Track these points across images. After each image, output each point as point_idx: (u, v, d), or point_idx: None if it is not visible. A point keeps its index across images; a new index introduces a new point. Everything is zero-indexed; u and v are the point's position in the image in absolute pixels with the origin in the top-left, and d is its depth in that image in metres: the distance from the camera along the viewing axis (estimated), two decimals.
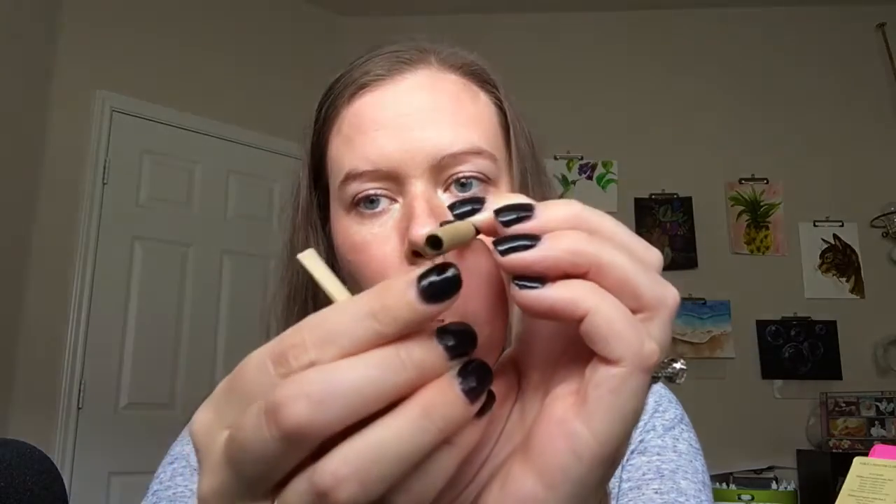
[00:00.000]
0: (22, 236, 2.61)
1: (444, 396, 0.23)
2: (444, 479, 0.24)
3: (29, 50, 2.69)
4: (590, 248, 0.25)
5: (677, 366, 0.29)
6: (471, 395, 0.24)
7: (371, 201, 0.58)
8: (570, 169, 3.44)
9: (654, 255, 0.28)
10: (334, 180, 0.61)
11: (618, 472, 0.64)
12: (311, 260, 0.27)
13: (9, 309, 2.53)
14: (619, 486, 0.63)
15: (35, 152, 2.69)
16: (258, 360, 0.24)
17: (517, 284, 0.25)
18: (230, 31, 3.26)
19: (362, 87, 0.61)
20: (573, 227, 0.26)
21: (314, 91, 0.69)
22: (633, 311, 0.26)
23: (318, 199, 0.65)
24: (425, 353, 0.23)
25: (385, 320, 0.23)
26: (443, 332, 0.24)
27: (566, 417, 0.25)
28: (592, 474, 0.25)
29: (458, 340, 0.24)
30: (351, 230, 0.59)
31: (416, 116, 0.58)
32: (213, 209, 3.11)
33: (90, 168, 2.81)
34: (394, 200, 0.58)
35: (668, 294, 0.27)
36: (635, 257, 0.26)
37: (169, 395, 2.88)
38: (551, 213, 0.27)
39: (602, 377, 0.25)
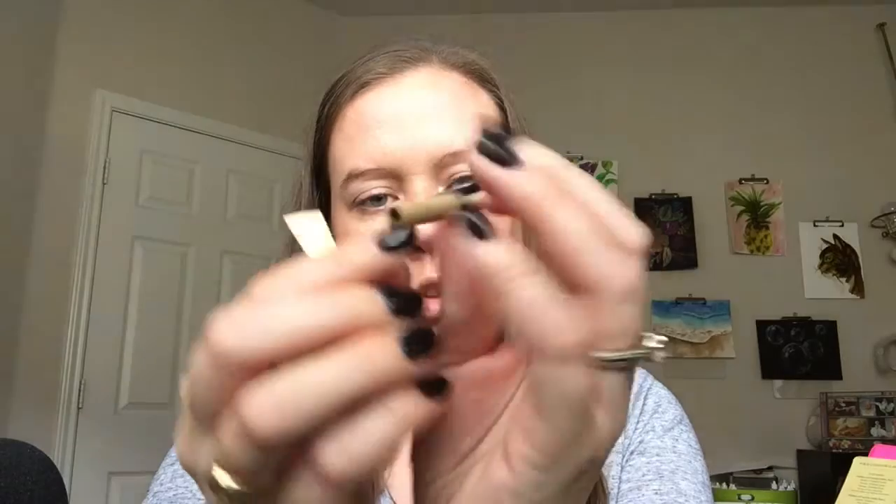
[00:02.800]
0: (22, 236, 2.61)
1: (378, 345, 0.23)
2: (381, 445, 0.23)
3: (29, 50, 2.69)
4: (544, 205, 0.24)
5: (651, 343, 0.26)
6: (408, 350, 0.24)
7: (376, 199, 0.58)
8: None
9: (629, 233, 0.25)
10: (336, 179, 0.61)
11: (617, 473, 0.64)
12: (294, 220, 0.28)
13: (9, 309, 2.53)
14: (619, 487, 0.63)
15: (35, 152, 2.69)
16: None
17: (464, 221, 0.25)
18: (230, 31, 3.26)
19: (364, 85, 0.61)
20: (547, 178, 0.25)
21: (314, 91, 0.69)
22: (577, 290, 0.24)
23: (320, 198, 0.65)
24: (364, 301, 0.24)
25: (335, 261, 0.24)
26: (387, 289, 0.24)
27: (521, 415, 0.25)
28: (556, 471, 0.25)
29: (402, 300, 0.24)
30: (351, 227, 0.59)
31: (418, 114, 0.58)
32: (213, 209, 3.11)
33: (90, 168, 2.81)
34: (396, 198, 0.58)
35: (616, 274, 0.24)
36: (600, 229, 0.25)
37: (169, 395, 2.88)
38: (531, 154, 0.26)
39: (530, 373, 0.25)
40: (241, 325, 0.23)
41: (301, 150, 0.68)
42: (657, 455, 0.64)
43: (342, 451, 0.23)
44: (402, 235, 0.25)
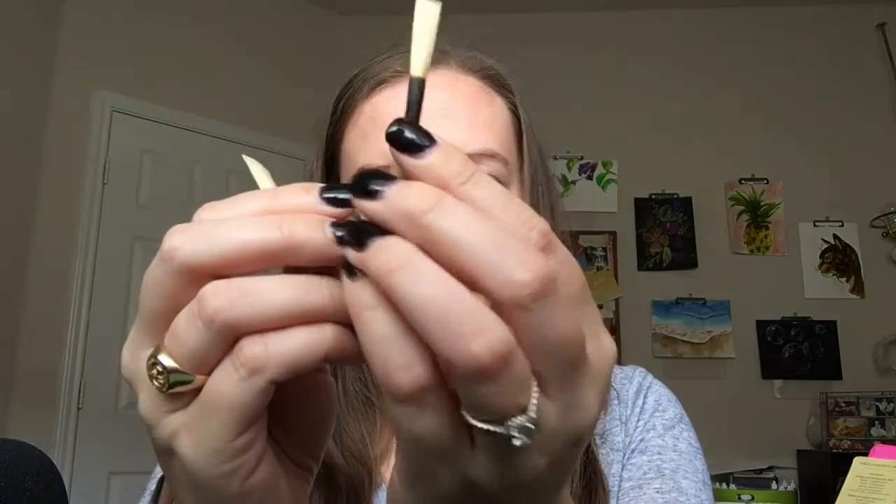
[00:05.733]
0: (22, 236, 2.61)
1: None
2: (299, 351, 0.25)
3: (29, 50, 2.69)
4: (395, 275, 0.23)
5: (517, 420, 0.23)
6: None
7: None
8: (570, 169, 3.44)
9: (507, 287, 0.22)
10: (347, 172, 0.61)
11: (618, 471, 0.64)
12: (251, 160, 0.30)
13: (9, 309, 2.53)
14: (620, 485, 0.63)
15: (35, 152, 2.69)
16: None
17: (336, 232, 0.25)
18: (230, 31, 3.26)
19: (381, 82, 0.62)
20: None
21: (314, 91, 0.70)
22: (488, 299, 0.23)
23: None
24: (308, 223, 0.26)
25: (274, 194, 0.27)
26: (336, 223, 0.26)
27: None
28: (415, 495, 0.27)
29: (351, 228, 0.25)
30: None
31: (433, 114, 0.59)
32: None
33: (90, 168, 2.81)
34: None
35: (460, 354, 0.22)
36: (495, 232, 0.23)
37: None
38: (395, 199, 0.24)
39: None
40: (193, 235, 0.26)
41: (301, 150, 0.69)
42: (658, 454, 0.64)
43: (264, 345, 0.25)
44: (343, 193, 0.26)
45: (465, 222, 0.23)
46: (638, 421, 0.67)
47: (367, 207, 0.24)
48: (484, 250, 0.22)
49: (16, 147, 2.59)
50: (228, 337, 0.26)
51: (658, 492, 0.61)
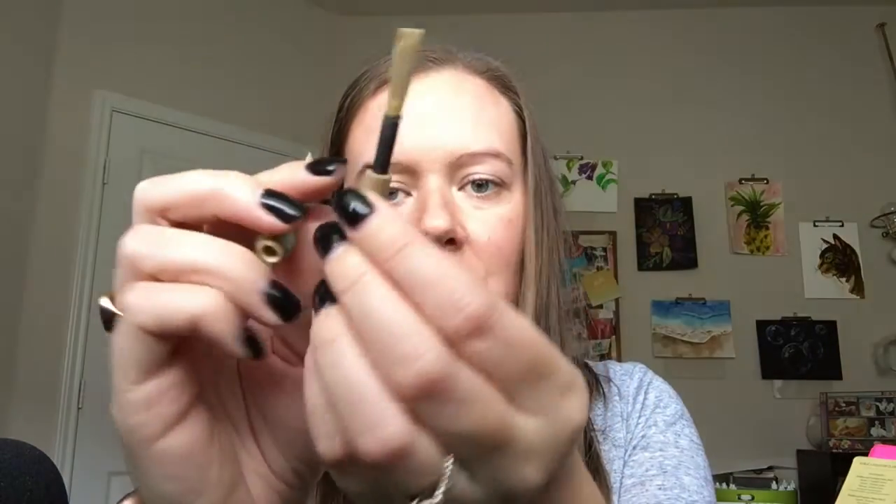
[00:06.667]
0: (22, 236, 2.61)
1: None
2: (177, 307, 0.26)
3: (29, 50, 2.69)
4: (342, 297, 0.24)
5: (426, 502, 0.24)
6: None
7: (390, 193, 0.58)
8: (570, 169, 3.44)
9: (403, 378, 0.22)
10: (352, 169, 0.61)
11: (620, 468, 0.65)
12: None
13: (9, 309, 2.53)
14: (622, 482, 0.63)
15: (35, 152, 2.69)
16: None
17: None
18: (230, 31, 3.26)
19: (388, 80, 0.62)
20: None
21: (314, 91, 0.70)
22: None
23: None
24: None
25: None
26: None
27: None
28: None
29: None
30: None
31: (439, 114, 0.59)
32: None
33: (90, 168, 2.81)
34: (408, 194, 0.59)
35: (398, 378, 0.22)
36: (391, 324, 0.23)
37: None
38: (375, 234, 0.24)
39: None
40: (154, 181, 0.29)
41: (301, 150, 0.69)
42: (660, 450, 0.64)
43: (144, 291, 0.27)
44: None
45: (369, 306, 0.23)
46: (639, 417, 0.67)
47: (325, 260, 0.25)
48: (377, 340, 0.23)
49: (16, 147, 2.59)
50: (137, 276, 0.28)
51: (660, 488, 0.61)
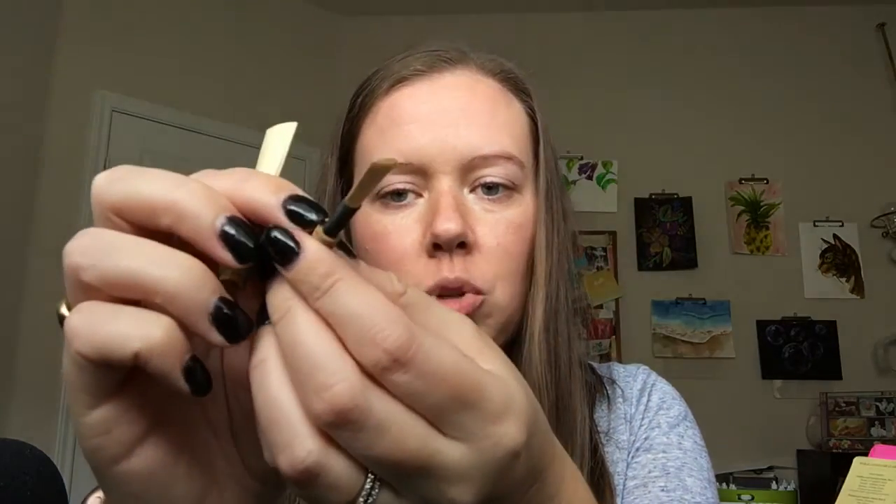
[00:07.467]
0: (22, 236, 2.61)
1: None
2: (116, 335, 0.25)
3: (29, 50, 2.69)
4: (276, 326, 0.25)
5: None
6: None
7: (398, 194, 0.58)
8: (570, 169, 3.44)
9: (376, 345, 0.24)
10: (362, 169, 0.61)
11: (623, 470, 0.64)
12: (274, 131, 0.32)
13: (9, 309, 2.53)
14: (625, 484, 0.63)
15: (35, 152, 2.68)
16: None
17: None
18: (230, 31, 3.26)
19: (401, 80, 0.62)
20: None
21: (315, 90, 0.70)
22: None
23: (343, 188, 0.66)
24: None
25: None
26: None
27: None
28: None
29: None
30: (372, 219, 0.59)
31: (452, 115, 0.59)
32: None
33: (90, 168, 2.81)
34: (419, 195, 0.59)
35: (314, 407, 0.24)
36: (310, 355, 0.24)
37: None
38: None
39: None
40: (114, 178, 0.27)
41: (301, 150, 0.69)
42: (663, 452, 0.64)
43: (88, 314, 0.25)
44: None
45: (293, 336, 0.25)
46: (643, 419, 0.67)
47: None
48: (299, 369, 0.24)
49: (16, 147, 2.59)
50: (80, 288, 0.26)
51: (663, 490, 0.61)
